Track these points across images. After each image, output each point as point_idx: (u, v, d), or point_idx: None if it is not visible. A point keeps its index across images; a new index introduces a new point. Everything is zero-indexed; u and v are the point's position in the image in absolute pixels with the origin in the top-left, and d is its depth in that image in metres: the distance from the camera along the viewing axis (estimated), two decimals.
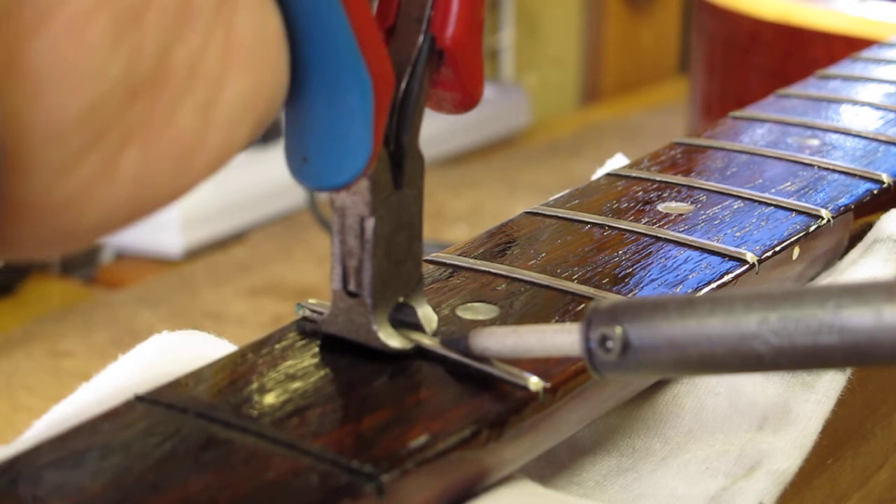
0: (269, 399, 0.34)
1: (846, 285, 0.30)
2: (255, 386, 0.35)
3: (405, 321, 0.37)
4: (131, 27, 0.27)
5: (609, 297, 0.40)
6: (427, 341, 0.36)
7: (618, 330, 0.31)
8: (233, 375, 0.35)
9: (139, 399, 0.34)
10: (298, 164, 0.33)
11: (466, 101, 0.36)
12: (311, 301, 0.38)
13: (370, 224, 0.36)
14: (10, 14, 0.26)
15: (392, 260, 0.36)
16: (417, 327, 0.37)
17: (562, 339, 0.33)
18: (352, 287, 0.36)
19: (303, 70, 0.32)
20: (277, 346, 0.37)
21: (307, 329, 0.38)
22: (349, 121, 0.32)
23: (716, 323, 0.31)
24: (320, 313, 0.38)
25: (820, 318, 0.30)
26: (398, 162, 0.36)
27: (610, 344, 0.31)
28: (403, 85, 0.35)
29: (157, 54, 0.28)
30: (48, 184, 0.27)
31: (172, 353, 0.40)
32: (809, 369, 0.32)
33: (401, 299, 0.37)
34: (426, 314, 0.37)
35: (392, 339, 0.36)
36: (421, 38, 0.35)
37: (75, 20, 0.26)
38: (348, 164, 0.32)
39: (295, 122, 0.33)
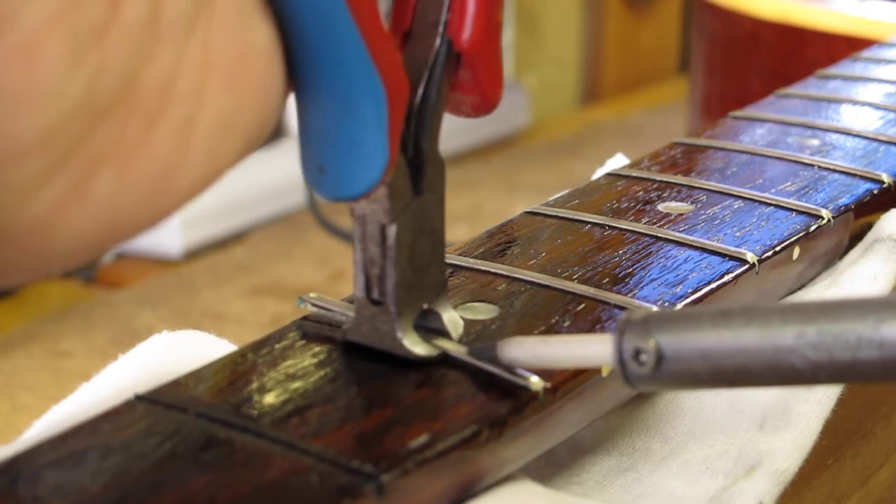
0: (269, 399, 0.34)
1: (886, 299, 0.30)
2: (255, 386, 0.35)
3: (431, 328, 0.36)
4: (92, 46, 0.26)
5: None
6: (453, 349, 0.36)
7: (651, 342, 0.31)
8: (233, 375, 0.35)
9: (139, 399, 0.34)
10: (315, 175, 0.32)
11: (485, 104, 0.36)
12: (312, 295, 0.38)
13: (391, 231, 0.35)
14: None
15: (415, 266, 0.36)
16: (443, 333, 0.36)
17: (593, 350, 0.33)
18: (375, 295, 0.36)
19: (315, 80, 0.31)
20: (277, 346, 0.37)
21: (308, 329, 0.38)
22: (364, 129, 0.31)
23: (751, 336, 0.30)
24: (322, 308, 0.38)
25: (859, 332, 0.29)
26: (418, 167, 0.35)
27: (643, 357, 0.31)
28: (421, 89, 0.35)
29: (125, 73, 0.27)
30: (12, 206, 0.27)
31: (172, 353, 0.40)
32: (848, 383, 0.32)
33: (425, 306, 0.36)
34: (452, 320, 0.36)
35: (417, 347, 0.36)
36: (438, 42, 0.35)
37: (27, 38, 0.25)
38: (365, 173, 0.32)
39: (310, 132, 0.32)
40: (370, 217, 0.35)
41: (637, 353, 0.31)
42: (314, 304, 0.38)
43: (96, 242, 0.28)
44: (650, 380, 0.31)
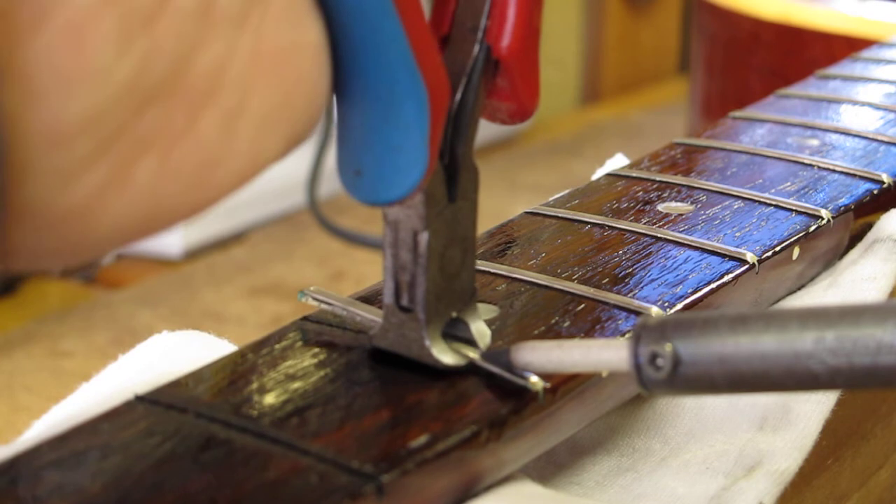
0: (269, 399, 0.34)
1: None
2: (255, 386, 0.35)
3: (458, 336, 0.36)
4: (142, 30, 0.26)
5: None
6: (468, 353, 0.36)
7: (668, 347, 0.31)
8: (233, 375, 0.35)
9: (139, 399, 0.34)
10: (351, 178, 0.32)
11: (521, 111, 0.35)
12: (313, 289, 0.38)
13: (424, 238, 0.35)
14: (6, 12, 0.25)
15: (446, 274, 0.35)
16: (470, 343, 0.36)
17: (608, 355, 0.33)
18: (404, 302, 0.36)
19: (356, 81, 0.31)
20: (277, 346, 0.37)
21: (308, 329, 0.38)
22: (404, 134, 0.31)
23: (769, 341, 0.30)
24: (323, 301, 0.38)
25: (879, 337, 0.29)
26: (452, 174, 0.35)
27: (660, 361, 0.31)
28: (458, 96, 0.34)
29: (174, 60, 0.27)
30: (54, 190, 0.26)
31: (172, 354, 0.40)
32: (867, 389, 0.32)
33: (454, 314, 0.36)
34: (479, 329, 0.36)
35: (445, 356, 0.35)
36: (476, 48, 0.34)
37: (76, 21, 0.25)
38: (403, 179, 0.31)
39: (348, 134, 0.32)
40: (403, 223, 0.35)
41: (653, 358, 0.31)
42: (315, 298, 0.38)
43: (134, 230, 0.28)
44: (666, 385, 0.31)
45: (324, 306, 0.38)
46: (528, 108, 0.35)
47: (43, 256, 0.28)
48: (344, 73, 0.31)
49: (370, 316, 0.37)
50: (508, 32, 0.34)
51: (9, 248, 0.27)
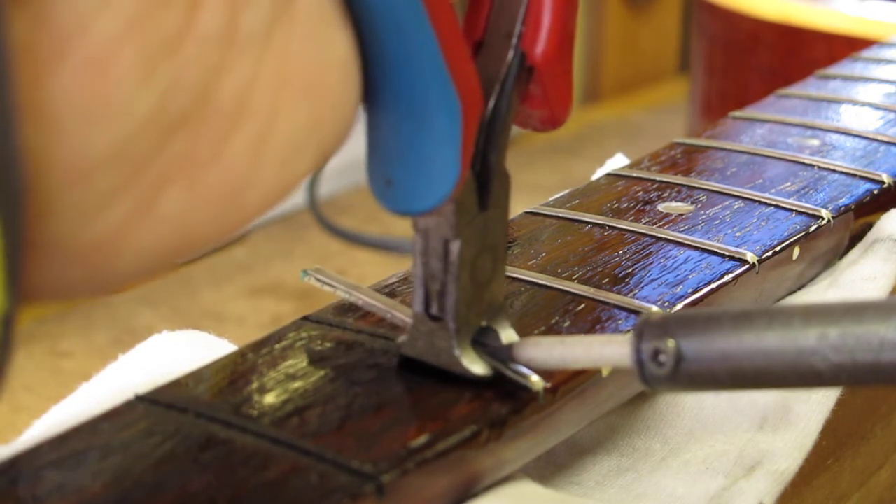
0: (269, 399, 0.34)
1: None
2: (255, 386, 0.35)
3: (488, 345, 0.36)
4: (165, 59, 0.25)
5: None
6: None
7: (670, 343, 0.31)
8: (233, 375, 0.35)
9: (139, 399, 0.34)
10: (381, 187, 0.31)
11: (553, 119, 0.35)
12: (315, 268, 0.38)
13: (455, 247, 0.34)
14: (27, 47, 0.24)
15: (476, 283, 0.35)
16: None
17: (610, 351, 0.32)
18: (434, 311, 0.35)
19: (387, 90, 0.30)
20: (277, 346, 0.37)
21: (308, 328, 0.38)
22: (436, 144, 0.30)
23: (772, 337, 0.30)
24: (325, 283, 0.38)
25: (882, 334, 0.29)
26: (484, 182, 0.34)
27: (662, 357, 0.31)
28: (492, 103, 0.34)
29: (199, 87, 0.26)
30: (78, 225, 0.26)
31: (172, 353, 0.40)
32: (870, 386, 0.32)
33: (483, 323, 0.35)
34: (510, 337, 0.36)
35: (475, 365, 0.35)
36: (511, 55, 0.34)
37: (98, 52, 0.24)
38: (435, 189, 0.31)
39: (378, 143, 0.31)
40: (433, 231, 0.35)
41: (656, 354, 0.31)
42: (318, 279, 0.38)
43: (160, 261, 0.27)
44: (669, 381, 0.31)
45: (326, 287, 0.38)
46: (560, 115, 0.35)
47: (67, 290, 0.27)
48: (374, 82, 0.30)
49: (371, 300, 0.37)
50: (543, 39, 0.34)
51: (33, 283, 0.26)
